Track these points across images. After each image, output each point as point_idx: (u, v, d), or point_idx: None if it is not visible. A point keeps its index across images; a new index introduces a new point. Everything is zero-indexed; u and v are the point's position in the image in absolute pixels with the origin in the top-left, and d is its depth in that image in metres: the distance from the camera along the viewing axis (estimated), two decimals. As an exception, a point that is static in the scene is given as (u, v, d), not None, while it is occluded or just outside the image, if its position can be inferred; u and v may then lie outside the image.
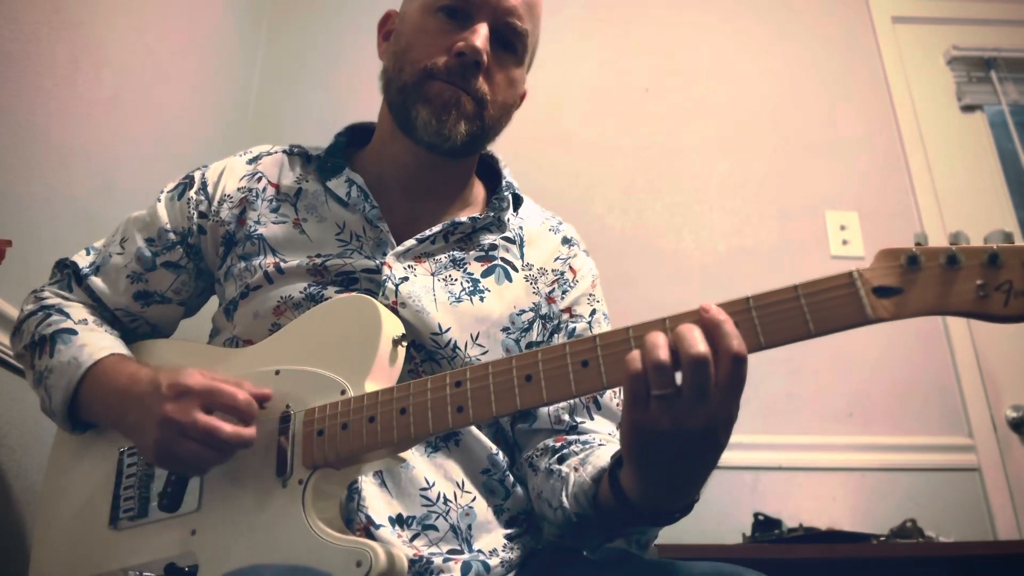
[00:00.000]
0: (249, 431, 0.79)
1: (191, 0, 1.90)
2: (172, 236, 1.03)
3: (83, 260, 1.05)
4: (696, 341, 0.63)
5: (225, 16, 2.12)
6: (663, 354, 0.63)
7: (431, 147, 0.97)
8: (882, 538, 1.64)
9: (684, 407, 0.64)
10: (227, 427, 0.78)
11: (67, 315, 0.98)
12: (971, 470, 1.96)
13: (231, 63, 2.16)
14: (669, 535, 1.79)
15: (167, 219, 1.04)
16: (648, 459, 0.69)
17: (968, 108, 2.42)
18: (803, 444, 1.98)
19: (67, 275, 1.05)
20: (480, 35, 0.94)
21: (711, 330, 0.64)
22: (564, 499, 0.85)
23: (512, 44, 0.99)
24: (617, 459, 0.78)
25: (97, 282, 1.03)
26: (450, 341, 0.92)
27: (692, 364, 0.62)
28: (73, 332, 0.95)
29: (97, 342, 0.94)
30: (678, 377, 0.64)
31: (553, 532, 0.92)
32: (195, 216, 1.03)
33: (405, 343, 0.86)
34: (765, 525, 1.69)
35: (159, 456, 0.80)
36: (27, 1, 1.23)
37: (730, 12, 2.51)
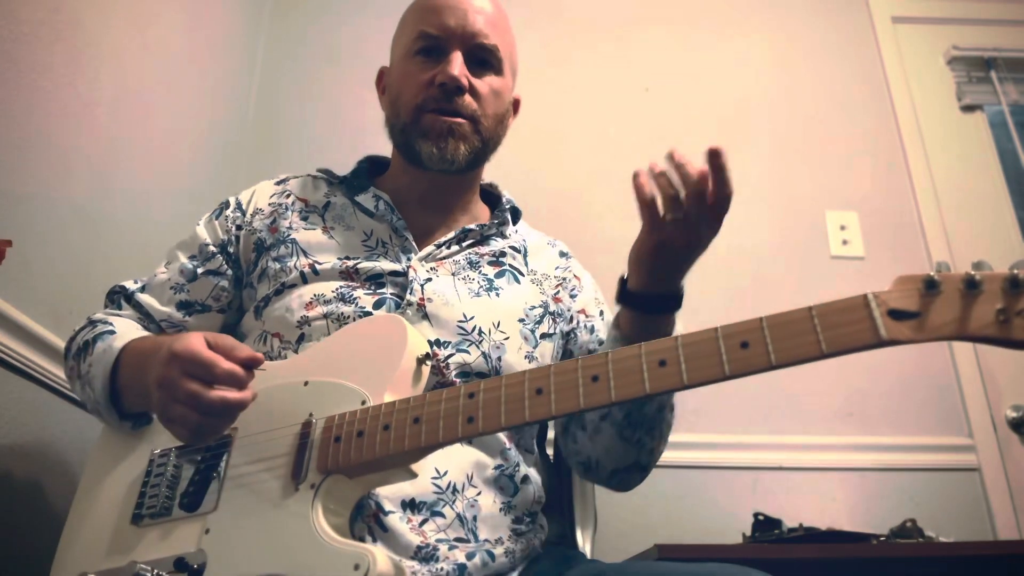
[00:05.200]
0: (235, 395, 0.79)
1: (191, 1, 1.90)
2: (212, 248, 1.11)
3: (131, 284, 1.13)
4: (693, 170, 0.79)
5: (225, 16, 2.12)
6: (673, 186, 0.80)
7: (440, 172, 1.09)
8: (882, 538, 1.64)
9: (693, 229, 0.82)
10: (210, 392, 0.78)
11: (110, 323, 1.03)
12: (971, 470, 1.96)
13: (231, 63, 2.16)
14: (669, 535, 1.80)
15: (207, 237, 1.13)
16: (657, 264, 0.88)
17: (968, 108, 2.42)
18: (803, 444, 1.98)
19: (117, 298, 1.12)
20: (454, 63, 1.05)
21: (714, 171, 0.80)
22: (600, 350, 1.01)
23: (486, 60, 1.10)
24: (623, 279, 0.94)
25: (144, 297, 1.10)
26: (476, 327, 1.00)
27: (694, 194, 0.80)
28: (112, 332, 1.00)
29: (129, 332, 1.00)
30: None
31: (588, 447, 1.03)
32: (232, 229, 1.12)
33: (430, 362, 0.89)
34: (765, 525, 1.69)
35: (161, 417, 0.83)
36: (27, 1, 1.23)
37: (730, 12, 2.51)
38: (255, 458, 0.86)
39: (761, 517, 1.71)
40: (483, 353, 0.98)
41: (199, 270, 1.10)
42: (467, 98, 1.06)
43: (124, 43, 1.54)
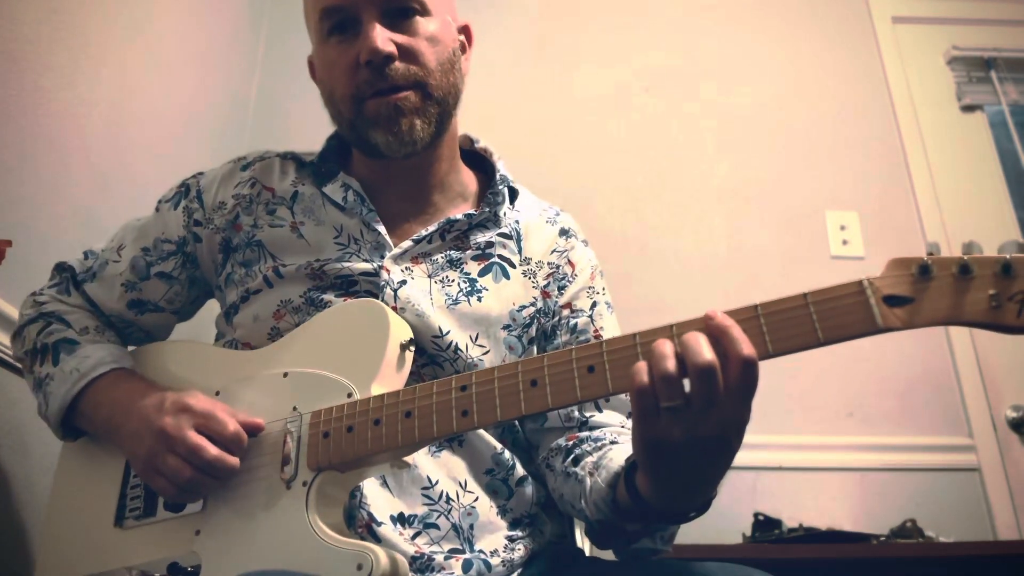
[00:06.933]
0: (232, 460, 0.81)
1: (191, 0, 1.90)
2: (168, 246, 1.04)
3: (80, 265, 1.07)
4: (702, 349, 0.62)
5: (225, 15, 2.12)
6: (671, 365, 0.63)
7: (406, 157, 0.97)
8: (882, 538, 1.65)
9: (694, 416, 0.63)
10: (212, 449, 0.79)
11: (68, 324, 1.00)
12: (971, 470, 1.96)
13: (231, 62, 2.16)
14: (669, 535, 1.80)
15: (163, 228, 1.05)
16: (662, 467, 0.69)
17: (968, 108, 2.42)
18: (803, 444, 1.98)
19: (65, 279, 1.06)
20: (370, 35, 0.91)
21: (718, 336, 0.64)
22: (584, 505, 0.86)
23: (404, 8, 0.95)
24: (632, 463, 0.78)
25: (93, 288, 1.05)
26: (451, 343, 0.92)
27: (699, 373, 0.62)
28: (75, 343, 0.97)
29: (99, 354, 0.96)
30: (686, 385, 0.64)
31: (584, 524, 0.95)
32: (191, 224, 1.04)
33: (412, 348, 0.86)
34: (765, 525, 1.69)
35: (144, 467, 0.83)
36: (27, 1, 1.23)
37: (730, 12, 2.51)
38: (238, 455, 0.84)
39: (761, 517, 1.71)
40: (456, 371, 0.92)
41: (152, 269, 1.03)
42: (398, 65, 0.92)
43: (124, 43, 1.54)
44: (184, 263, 1.05)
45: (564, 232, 1.08)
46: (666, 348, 0.64)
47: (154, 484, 0.83)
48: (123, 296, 1.04)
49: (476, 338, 0.94)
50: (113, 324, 1.06)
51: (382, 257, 0.95)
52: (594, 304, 1.04)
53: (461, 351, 0.92)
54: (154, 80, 1.68)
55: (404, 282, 0.94)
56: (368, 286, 0.94)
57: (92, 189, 1.42)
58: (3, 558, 1.12)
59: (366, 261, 0.95)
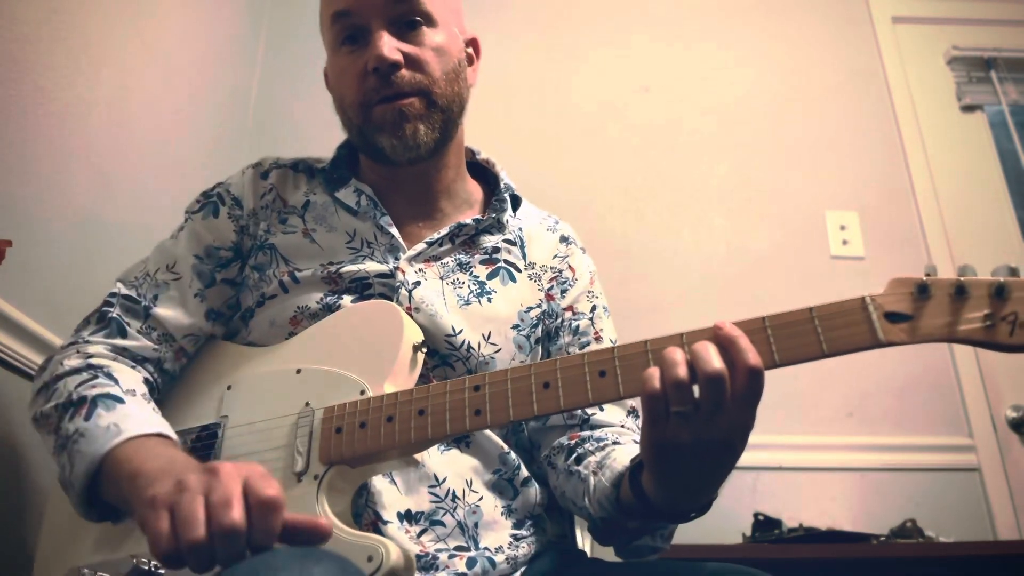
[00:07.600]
0: (242, 537, 0.60)
1: (191, 0, 1.90)
2: (226, 252, 1.03)
3: (133, 292, 0.99)
4: (712, 358, 0.66)
5: (225, 16, 2.12)
6: (682, 371, 0.67)
7: (411, 162, 1.00)
8: (882, 538, 1.65)
9: (702, 421, 0.67)
10: (239, 510, 0.60)
11: (115, 381, 0.88)
12: (971, 470, 1.96)
13: (231, 63, 2.16)
14: (669, 535, 1.80)
15: (214, 237, 1.03)
16: (668, 468, 0.73)
17: (968, 108, 2.42)
18: (803, 444, 1.98)
19: (113, 321, 0.96)
20: (377, 44, 0.95)
21: (726, 346, 0.68)
22: (587, 502, 0.90)
23: (412, 21, 0.98)
24: (637, 463, 0.81)
25: (163, 312, 0.98)
26: (464, 342, 0.95)
27: (709, 380, 0.66)
28: (119, 399, 0.84)
29: (146, 416, 0.84)
30: (695, 391, 0.67)
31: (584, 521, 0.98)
32: (239, 230, 1.04)
33: (424, 350, 0.88)
34: (765, 525, 1.69)
35: (152, 499, 0.64)
36: (27, 1, 1.23)
37: (730, 12, 2.51)
38: (249, 449, 0.85)
39: (761, 517, 1.71)
40: (468, 370, 0.94)
41: (217, 275, 1.02)
42: (404, 73, 0.95)
43: (124, 43, 1.54)
44: (242, 269, 1.04)
45: (564, 239, 1.13)
46: (677, 355, 0.67)
47: (152, 522, 0.62)
48: (199, 307, 1.00)
49: (489, 336, 0.97)
50: (183, 351, 0.99)
51: (397, 259, 0.98)
52: (593, 307, 1.09)
53: (473, 349, 0.95)
54: (154, 80, 1.67)
55: (418, 283, 0.97)
56: (382, 288, 0.96)
57: (92, 189, 1.42)
58: (5, 557, 1.12)
59: (381, 263, 0.98)
